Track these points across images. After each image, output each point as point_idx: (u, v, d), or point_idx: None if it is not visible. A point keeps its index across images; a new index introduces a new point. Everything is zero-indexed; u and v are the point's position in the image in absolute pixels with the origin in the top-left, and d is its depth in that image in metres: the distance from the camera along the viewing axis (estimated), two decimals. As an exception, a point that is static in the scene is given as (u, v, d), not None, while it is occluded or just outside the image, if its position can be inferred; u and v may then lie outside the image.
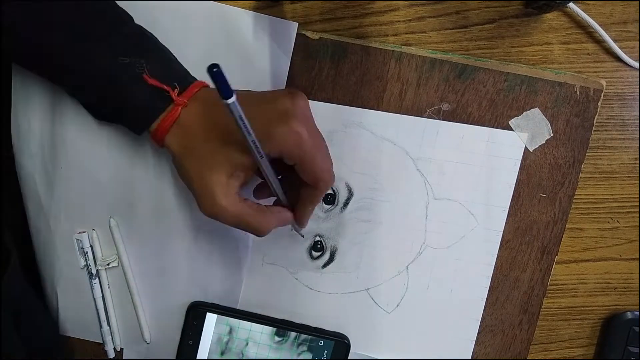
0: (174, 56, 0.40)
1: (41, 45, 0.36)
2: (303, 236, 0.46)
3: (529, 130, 0.44)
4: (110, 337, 0.47)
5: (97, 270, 0.46)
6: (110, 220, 0.45)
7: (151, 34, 0.39)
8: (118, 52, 0.36)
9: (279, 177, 0.39)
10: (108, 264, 0.46)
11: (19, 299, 0.43)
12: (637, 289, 0.48)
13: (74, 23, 0.36)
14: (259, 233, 0.38)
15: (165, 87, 0.37)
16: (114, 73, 0.36)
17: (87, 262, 0.46)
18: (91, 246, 0.46)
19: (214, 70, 0.29)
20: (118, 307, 0.47)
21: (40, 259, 0.47)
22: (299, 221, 0.41)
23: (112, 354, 0.48)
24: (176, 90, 0.37)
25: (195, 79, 0.39)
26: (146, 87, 0.37)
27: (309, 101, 0.43)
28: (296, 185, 0.39)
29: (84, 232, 0.45)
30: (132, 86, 0.37)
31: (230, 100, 0.31)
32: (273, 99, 0.37)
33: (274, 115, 0.36)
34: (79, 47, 0.36)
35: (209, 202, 0.36)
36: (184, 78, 0.39)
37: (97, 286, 0.46)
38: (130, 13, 0.40)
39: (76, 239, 0.45)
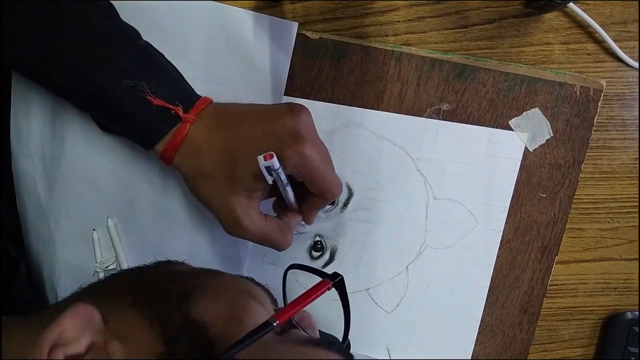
0: (179, 74, 0.40)
1: (45, 61, 0.35)
2: (304, 232, 0.46)
3: (529, 130, 0.44)
4: None
5: (96, 272, 0.46)
6: (108, 220, 0.45)
7: (158, 51, 0.39)
8: (122, 75, 0.36)
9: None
10: (107, 267, 0.46)
11: (27, 307, 0.43)
12: (637, 289, 0.48)
13: (80, 43, 0.35)
14: (280, 249, 0.40)
15: (171, 106, 0.37)
16: (118, 96, 0.36)
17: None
18: (97, 245, 0.46)
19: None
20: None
21: (40, 258, 0.47)
22: (307, 222, 0.42)
23: None
24: (180, 108, 0.37)
25: (200, 97, 0.39)
26: (151, 109, 0.37)
27: (309, 101, 0.44)
28: (304, 194, 0.40)
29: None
30: (136, 108, 0.36)
31: None
32: (277, 116, 0.37)
33: (282, 136, 0.35)
34: (84, 68, 0.35)
35: (233, 224, 0.37)
36: (189, 97, 0.39)
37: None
38: (130, 13, 0.39)
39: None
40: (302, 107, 0.37)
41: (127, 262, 0.46)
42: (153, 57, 0.39)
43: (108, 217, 0.45)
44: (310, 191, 0.38)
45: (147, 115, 0.37)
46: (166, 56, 0.41)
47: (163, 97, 0.37)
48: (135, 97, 0.36)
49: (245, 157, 0.36)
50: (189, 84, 0.40)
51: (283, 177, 0.36)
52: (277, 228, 0.39)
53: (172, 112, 0.37)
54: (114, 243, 0.45)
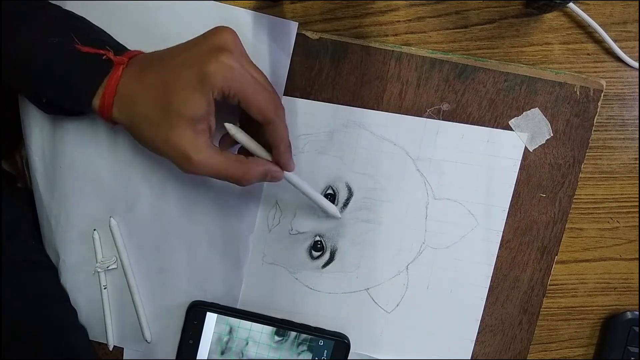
0: (109, 35, 0.40)
1: None
2: (304, 232, 0.46)
3: (529, 130, 0.44)
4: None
5: (97, 272, 0.46)
6: (110, 220, 0.45)
7: (82, 17, 0.39)
8: (46, 31, 0.36)
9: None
10: (107, 267, 0.46)
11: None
12: (637, 289, 0.48)
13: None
14: (241, 182, 0.38)
15: (100, 51, 0.36)
16: (45, 56, 0.36)
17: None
18: (98, 245, 0.46)
19: None
20: (119, 306, 0.47)
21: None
22: (281, 165, 0.40)
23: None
24: (111, 52, 0.37)
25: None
26: (81, 60, 0.36)
27: (310, 100, 0.44)
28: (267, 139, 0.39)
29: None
30: (66, 62, 0.36)
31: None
32: (201, 40, 0.36)
33: (206, 54, 0.35)
34: (7, 29, 0.35)
35: (184, 160, 0.36)
36: (118, 47, 0.38)
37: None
38: (130, 13, 0.39)
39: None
40: (225, 27, 0.37)
41: (130, 262, 0.46)
42: (76, 18, 0.39)
43: (110, 217, 0.45)
44: (254, 119, 0.37)
45: (78, 68, 0.36)
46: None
47: (92, 46, 0.36)
48: (63, 52, 0.36)
49: (176, 88, 0.35)
50: (117, 41, 0.40)
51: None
52: (236, 160, 0.37)
53: (103, 56, 0.36)
54: (117, 242, 0.45)
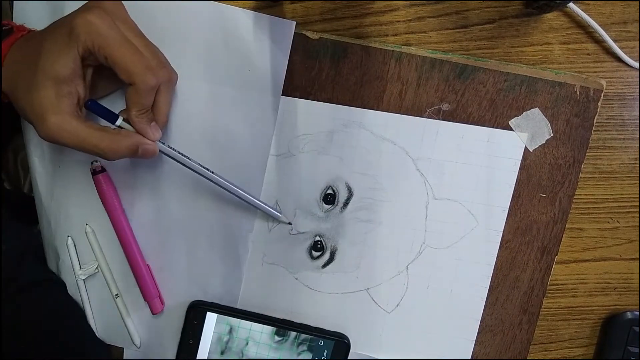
0: None
1: None
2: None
3: (529, 130, 0.44)
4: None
5: (76, 280, 0.46)
6: (86, 227, 0.45)
7: None
8: None
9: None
10: (88, 276, 0.46)
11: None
12: (637, 289, 0.48)
13: None
14: (107, 155, 0.36)
15: (5, 21, 0.36)
16: None
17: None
18: (73, 252, 0.46)
19: (88, 104, 0.36)
20: (116, 309, 0.47)
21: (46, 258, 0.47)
22: (140, 133, 0.38)
23: None
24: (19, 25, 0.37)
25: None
26: None
27: (309, 100, 0.44)
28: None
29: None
30: None
31: (118, 122, 0.37)
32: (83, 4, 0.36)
33: (75, 12, 0.35)
34: None
35: (41, 122, 0.34)
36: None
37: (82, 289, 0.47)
38: (129, 13, 0.39)
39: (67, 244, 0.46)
40: None
41: (110, 269, 0.46)
42: None
43: (86, 224, 0.45)
44: (123, 81, 0.36)
45: None
46: (165, 56, 0.41)
47: None
48: None
49: (46, 47, 0.34)
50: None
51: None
52: (100, 130, 0.35)
53: (6, 26, 0.36)
54: (94, 250, 0.45)
